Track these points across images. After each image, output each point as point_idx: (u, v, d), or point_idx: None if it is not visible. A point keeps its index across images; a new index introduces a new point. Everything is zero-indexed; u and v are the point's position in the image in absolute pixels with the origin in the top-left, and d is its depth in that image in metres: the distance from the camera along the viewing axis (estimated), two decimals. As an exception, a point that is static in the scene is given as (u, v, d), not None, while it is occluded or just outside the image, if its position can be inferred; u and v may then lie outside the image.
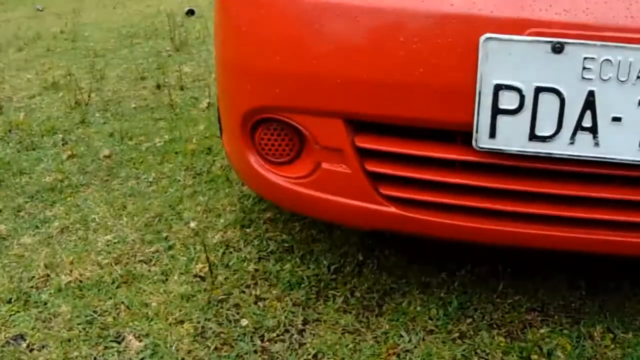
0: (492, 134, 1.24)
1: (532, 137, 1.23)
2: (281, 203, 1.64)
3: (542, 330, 1.57)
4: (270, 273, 1.79)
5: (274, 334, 1.57)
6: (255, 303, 1.68)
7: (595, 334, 1.56)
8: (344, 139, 1.37)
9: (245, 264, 1.84)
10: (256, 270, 1.81)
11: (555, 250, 1.38)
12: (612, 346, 1.52)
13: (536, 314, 1.62)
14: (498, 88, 1.20)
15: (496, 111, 1.22)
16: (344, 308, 1.65)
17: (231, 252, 1.90)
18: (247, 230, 2.00)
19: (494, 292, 1.69)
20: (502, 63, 1.19)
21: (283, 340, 1.56)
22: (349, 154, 1.38)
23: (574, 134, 1.22)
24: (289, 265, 1.81)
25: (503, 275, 1.75)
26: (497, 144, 1.24)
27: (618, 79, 1.17)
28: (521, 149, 1.24)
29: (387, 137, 1.36)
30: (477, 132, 1.24)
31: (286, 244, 1.91)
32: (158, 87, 3.77)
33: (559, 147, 1.23)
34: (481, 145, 1.25)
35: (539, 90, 1.20)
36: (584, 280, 1.73)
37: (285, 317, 1.62)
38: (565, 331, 1.56)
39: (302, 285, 1.73)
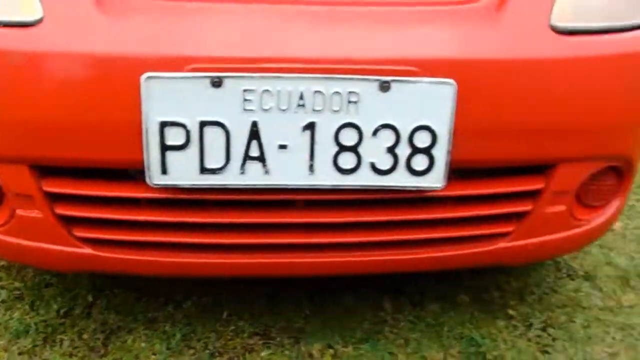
0: (164, 170, 1.25)
1: (203, 170, 1.25)
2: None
3: (262, 354, 1.60)
4: (-1, 323, 1.71)
5: (-6, 386, 1.50)
6: (-21, 356, 1.60)
7: (314, 352, 1.61)
8: (31, 184, 1.34)
9: (-27, 315, 1.74)
10: (-17, 321, 1.72)
11: (247, 276, 1.42)
12: (330, 361, 1.57)
13: (258, 338, 1.66)
14: (163, 125, 1.22)
15: (164, 148, 1.23)
16: (70, 352, 1.61)
17: (-41, 304, 1.80)
18: (-22, 280, 1.90)
19: (218, 320, 1.71)
20: (165, 100, 1.21)
21: (0, 392, 1.49)
22: (38, 199, 1.35)
23: (243, 164, 1.25)
24: (18, 313, 1.75)
25: (227, 303, 1.77)
26: (170, 180, 1.26)
27: (279, 108, 1.22)
28: (194, 183, 1.26)
29: (72, 179, 1.34)
30: (149, 169, 1.25)
31: (17, 292, 1.84)
32: None
33: (231, 178, 1.26)
34: (155, 182, 1.26)
35: (203, 124, 1.22)
36: (308, 300, 1.78)
37: (8, 367, 1.55)
38: (285, 352, 1.60)
39: (30, 333, 1.67)
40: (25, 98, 1.26)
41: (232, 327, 1.69)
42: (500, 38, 1.28)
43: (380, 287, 1.87)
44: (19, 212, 1.38)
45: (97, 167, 1.31)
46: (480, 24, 1.28)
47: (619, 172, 1.50)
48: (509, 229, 1.44)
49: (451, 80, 1.22)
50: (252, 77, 1.20)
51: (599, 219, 1.57)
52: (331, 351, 1.62)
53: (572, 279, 1.97)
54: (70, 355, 1.60)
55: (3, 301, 1.80)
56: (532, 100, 1.29)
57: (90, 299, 1.80)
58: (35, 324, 1.71)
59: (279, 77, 1.20)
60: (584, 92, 1.33)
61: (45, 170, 1.33)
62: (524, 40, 1.29)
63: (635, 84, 1.36)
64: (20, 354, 1.61)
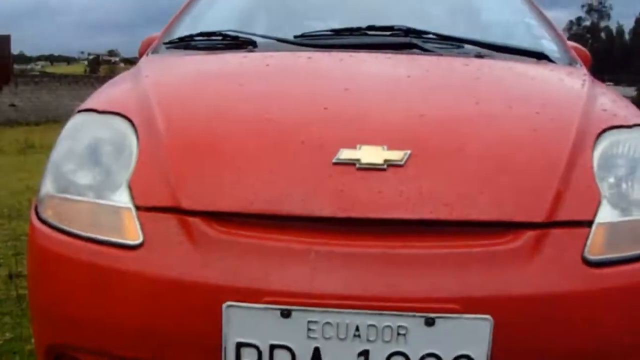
0: (238, 387, 1.45)
1: (271, 386, 1.45)
2: None
3: None
4: None
5: None
6: None
7: None
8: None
9: None
10: None
11: None
12: None
13: None
14: (240, 345, 1.44)
15: (240, 365, 1.44)
16: None
17: None
18: None
19: None
20: (242, 325, 1.43)
21: None
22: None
23: (305, 385, 1.45)
24: None
25: None
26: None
27: (338, 337, 1.43)
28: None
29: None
30: (226, 384, 1.46)
31: None
32: (10, 276, 3.81)
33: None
34: (228, 395, 1.46)
35: (273, 347, 1.44)
36: None
37: None
38: None
39: None
40: (122, 310, 1.51)
41: None
42: (535, 275, 1.47)
43: None
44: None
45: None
46: (517, 262, 1.48)
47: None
48: None
49: (488, 316, 1.41)
50: (315, 311, 1.42)
51: None
52: None
53: None
54: None
55: None
56: (565, 331, 1.46)
57: None
58: None
59: (338, 312, 1.41)
60: (618, 320, 1.48)
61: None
62: (557, 275, 1.47)
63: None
64: None
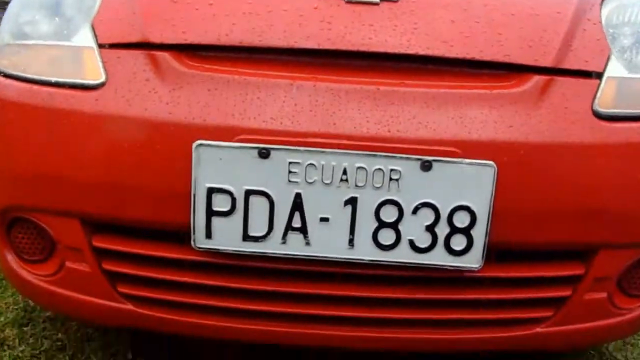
0: (209, 235, 1.29)
1: (246, 237, 1.29)
2: (36, 300, 1.64)
3: None
4: (39, 372, 1.75)
5: None
6: (15, 403, 1.64)
7: None
8: (81, 238, 1.40)
9: (15, 363, 1.80)
10: (25, 369, 1.77)
11: (283, 345, 1.43)
12: None
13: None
14: (211, 191, 1.27)
15: (210, 213, 1.28)
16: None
17: (5, 350, 1.85)
18: (25, 328, 1.96)
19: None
20: (214, 167, 1.26)
21: None
22: (87, 254, 1.40)
23: (285, 234, 1.29)
24: (58, 363, 1.78)
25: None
26: (214, 244, 1.30)
27: (323, 181, 1.26)
28: (236, 249, 1.30)
29: (121, 237, 1.39)
30: (194, 232, 1.29)
31: (59, 343, 1.89)
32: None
33: (272, 247, 1.29)
34: (199, 245, 1.30)
35: (249, 193, 1.27)
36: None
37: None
38: None
39: (67, 384, 1.70)
40: (82, 157, 1.33)
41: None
42: (542, 122, 1.31)
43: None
44: (68, 264, 1.44)
45: (146, 228, 1.36)
46: (523, 107, 1.31)
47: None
48: (547, 314, 1.43)
49: (491, 162, 1.25)
50: (297, 151, 1.24)
51: (643, 308, 1.54)
52: None
53: (617, 370, 1.92)
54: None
55: (45, 350, 1.85)
56: (571, 184, 1.31)
57: (130, 356, 1.82)
58: (74, 376, 1.74)
59: (323, 152, 1.24)
60: (626, 177, 1.34)
61: (96, 226, 1.39)
62: (565, 124, 1.32)
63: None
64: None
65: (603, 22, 1.44)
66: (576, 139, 1.31)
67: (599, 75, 1.38)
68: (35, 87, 1.40)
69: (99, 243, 1.39)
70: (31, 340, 1.90)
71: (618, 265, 1.43)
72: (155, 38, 1.35)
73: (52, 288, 1.50)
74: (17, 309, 2.06)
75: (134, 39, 1.37)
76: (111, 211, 1.35)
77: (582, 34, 1.41)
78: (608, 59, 1.39)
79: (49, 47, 1.44)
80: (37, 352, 1.85)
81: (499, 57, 1.34)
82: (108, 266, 1.41)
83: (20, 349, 1.86)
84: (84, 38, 1.40)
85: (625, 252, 1.42)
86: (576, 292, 1.42)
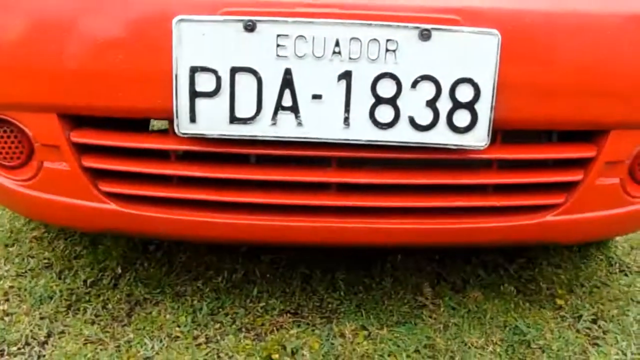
0: (193, 119, 1.20)
1: (233, 119, 1.20)
2: (16, 209, 1.56)
3: (292, 331, 1.53)
4: (24, 289, 1.68)
5: (15, 348, 1.48)
6: (2, 318, 1.56)
7: (347, 332, 1.54)
8: (60, 134, 1.31)
9: (0, 282, 1.71)
10: (11, 287, 1.70)
11: (278, 242, 1.35)
12: (364, 343, 1.50)
13: (289, 316, 1.59)
14: (194, 70, 1.17)
15: (194, 94, 1.18)
16: (92, 320, 1.57)
17: (-11, 271, 1.78)
18: (10, 249, 1.89)
19: (248, 297, 1.65)
20: (197, 44, 1.17)
21: (23, 353, 1.47)
22: (66, 151, 1.32)
23: (275, 114, 1.20)
24: (44, 280, 1.71)
25: (259, 281, 1.71)
26: (199, 129, 1.21)
27: (314, 55, 1.16)
28: (223, 133, 1.21)
29: (101, 131, 1.30)
30: (177, 117, 1.20)
31: (46, 261, 1.81)
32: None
33: (262, 129, 1.20)
34: (183, 131, 1.21)
35: (234, 70, 1.17)
36: (344, 282, 1.71)
37: (31, 330, 1.52)
38: (316, 331, 1.53)
39: (54, 299, 1.63)
40: (55, 43, 1.23)
41: (262, 304, 1.62)
42: None
43: (420, 273, 1.78)
44: (47, 164, 1.35)
45: (127, 117, 1.27)
46: None
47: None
48: (557, 200, 1.35)
49: (495, 31, 1.16)
50: (286, 22, 1.15)
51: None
52: (365, 332, 1.55)
53: (626, 274, 1.86)
54: (93, 323, 1.56)
55: (31, 269, 1.78)
56: (581, 57, 1.21)
57: (119, 270, 1.76)
58: (61, 291, 1.68)
59: (313, 22, 1.15)
60: (637, 51, 1.24)
61: (74, 120, 1.30)
62: None
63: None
64: (42, 318, 1.57)
65: None
66: (584, 7, 1.21)
67: None
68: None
69: (77, 138, 1.30)
70: (17, 260, 1.83)
71: (630, 148, 1.34)
72: None
73: (32, 193, 1.41)
74: (2, 230, 1.98)
75: None
76: (89, 101, 1.26)
77: None
78: None
79: None
80: (23, 270, 1.78)
81: None
82: (88, 162, 1.32)
83: (6, 268, 1.79)
84: None
85: (637, 133, 1.33)
86: (587, 176, 1.33)
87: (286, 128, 1.20)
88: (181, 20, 1.15)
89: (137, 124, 1.33)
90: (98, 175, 1.33)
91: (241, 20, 1.15)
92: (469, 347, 1.50)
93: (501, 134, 1.26)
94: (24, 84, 1.29)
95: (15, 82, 1.30)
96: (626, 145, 1.33)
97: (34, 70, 1.26)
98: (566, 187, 1.34)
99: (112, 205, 1.34)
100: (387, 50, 1.16)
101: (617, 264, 1.90)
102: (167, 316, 1.57)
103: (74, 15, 1.22)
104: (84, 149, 1.31)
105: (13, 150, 1.40)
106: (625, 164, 1.36)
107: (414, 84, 1.17)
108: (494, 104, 1.19)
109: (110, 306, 1.62)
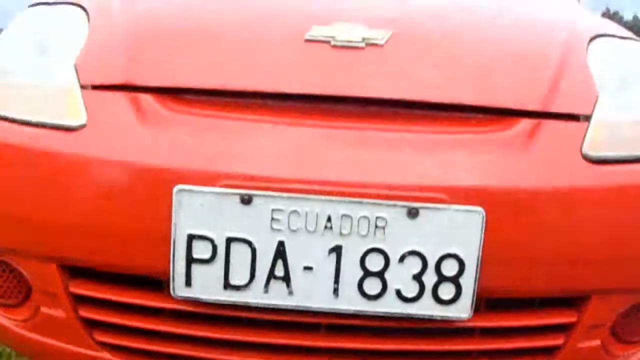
0: (188, 283, 1.25)
1: (227, 285, 1.25)
2: (13, 346, 1.59)
3: None
4: None
5: None
6: None
7: None
8: (58, 284, 1.36)
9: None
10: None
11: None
12: None
13: None
14: (191, 238, 1.23)
15: (190, 260, 1.24)
16: None
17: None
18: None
19: None
20: (195, 213, 1.22)
21: None
22: (63, 299, 1.36)
23: (267, 283, 1.25)
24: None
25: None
26: (194, 293, 1.26)
27: (307, 229, 1.22)
28: (217, 298, 1.26)
29: (99, 283, 1.35)
30: (173, 280, 1.25)
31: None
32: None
33: (254, 296, 1.25)
34: (178, 294, 1.26)
35: (230, 240, 1.23)
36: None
37: None
38: None
39: None
40: (60, 200, 1.29)
41: None
42: (530, 166, 1.28)
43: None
44: (44, 309, 1.40)
45: (124, 274, 1.32)
46: (511, 151, 1.29)
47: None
48: (539, 363, 1.39)
49: (480, 209, 1.22)
50: (280, 197, 1.21)
51: (637, 354, 1.50)
52: None
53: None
54: None
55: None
56: (562, 230, 1.27)
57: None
58: None
59: (307, 198, 1.21)
60: (617, 221, 1.31)
61: (73, 271, 1.35)
62: (554, 169, 1.29)
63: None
64: None
65: (590, 63, 1.42)
66: (566, 183, 1.28)
67: (587, 118, 1.35)
68: (15, 126, 1.37)
69: (75, 289, 1.35)
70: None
71: (611, 311, 1.39)
72: (139, 80, 1.32)
73: (27, 333, 1.45)
74: None
75: (117, 80, 1.34)
76: (89, 256, 1.31)
77: (570, 76, 1.39)
78: (596, 101, 1.37)
79: (31, 86, 1.41)
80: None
81: (486, 102, 1.32)
82: (85, 313, 1.37)
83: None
84: (67, 78, 1.37)
85: (618, 298, 1.39)
86: (569, 341, 1.37)
87: (277, 296, 1.26)
88: (181, 190, 1.22)
89: (136, 278, 1.38)
90: (94, 325, 1.37)
91: (238, 194, 1.21)
92: None
93: (484, 302, 1.31)
94: (26, 235, 1.34)
95: (18, 231, 1.35)
96: (607, 310, 1.39)
97: (37, 221, 1.32)
98: (548, 351, 1.38)
99: (106, 355, 1.38)
100: (376, 226, 1.22)
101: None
102: None
103: (81, 172, 1.29)
104: (81, 299, 1.36)
105: (11, 290, 1.45)
106: (607, 326, 1.40)
107: (401, 259, 1.23)
108: (477, 277, 1.24)
109: None
